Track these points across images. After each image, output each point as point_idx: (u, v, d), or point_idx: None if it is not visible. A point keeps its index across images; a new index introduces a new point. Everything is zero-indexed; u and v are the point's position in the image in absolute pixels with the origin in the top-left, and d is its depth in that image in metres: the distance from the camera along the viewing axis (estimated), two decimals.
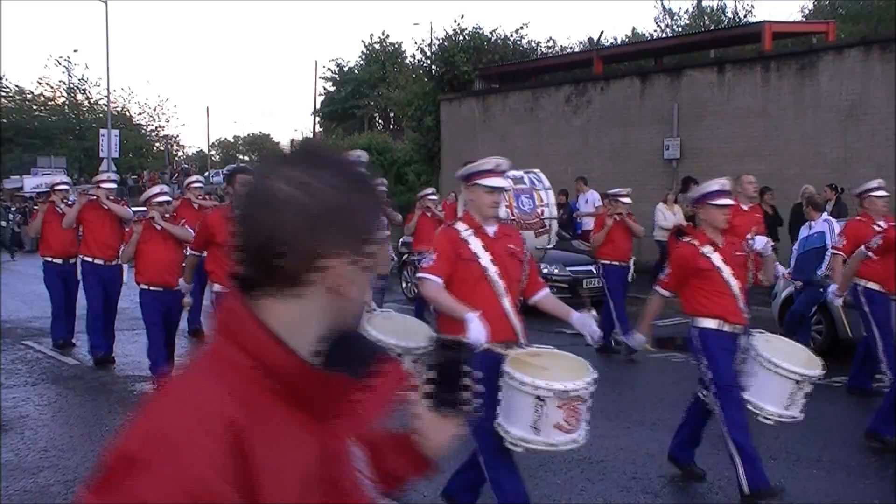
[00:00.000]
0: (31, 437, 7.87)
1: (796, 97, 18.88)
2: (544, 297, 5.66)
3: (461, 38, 29.30)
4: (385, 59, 58.05)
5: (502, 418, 5.01)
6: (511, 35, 30.59)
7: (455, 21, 31.79)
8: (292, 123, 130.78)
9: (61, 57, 76.92)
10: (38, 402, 9.26)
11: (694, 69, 21.29)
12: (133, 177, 60.27)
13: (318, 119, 63.47)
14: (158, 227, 9.56)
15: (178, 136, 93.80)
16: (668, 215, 17.67)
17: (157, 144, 70.04)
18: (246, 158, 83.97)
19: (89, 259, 11.34)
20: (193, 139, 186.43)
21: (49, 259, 12.12)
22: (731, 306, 6.12)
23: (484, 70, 28.63)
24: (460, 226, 5.44)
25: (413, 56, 48.90)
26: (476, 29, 29.77)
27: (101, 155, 41.86)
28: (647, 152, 21.45)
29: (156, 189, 10.31)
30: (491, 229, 5.45)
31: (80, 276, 11.73)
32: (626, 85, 22.69)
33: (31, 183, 38.91)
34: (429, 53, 31.27)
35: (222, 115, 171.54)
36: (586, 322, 5.30)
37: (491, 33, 30.03)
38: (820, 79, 18.51)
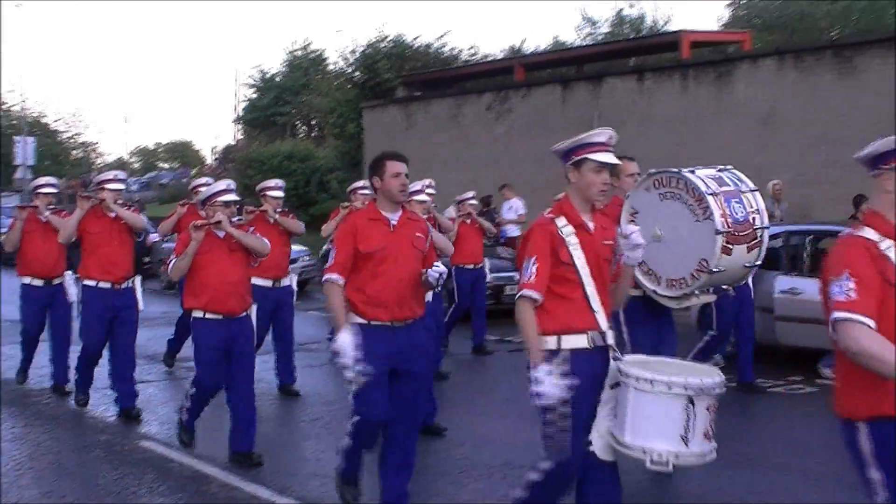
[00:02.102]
0: None
1: (714, 104, 19.20)
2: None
3: (383, 45, 29.27)
4: (307, 66, 57.61)
5: (632, 435, 4.35)
6: (433, 42, 30.67)
7: (377, 28, 31.80)
8: (214, 131, 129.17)
9: None
10: None
11: (614, 77, 21.53)
12: None
13: (239, 126, 62.85)
14: (221, 235, 6.96)
15: (96, 143, 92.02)
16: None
17: (76, 152, 68.74)
18: (167, 166, 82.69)
19: (91, 283, 8.55)
20: (112, 147, 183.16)
21: (28, 281, 9.73)
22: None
23: (406, 77, 28.62)
24: (560, 220, 4.63)
25: (335, 63, 48.53)
26: (398, 36, 29.78)
27: (17, 162, 40.94)
28: None
29: (222, 185, 7.25)
30: (590, 221, 4.70)
31: (73, 303, 9.49)
32: (547, 92, 22.85)
33: None
34: (351, 61, 31.13)
35: (142, 123, 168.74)
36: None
37: (413, 41, 30.09)
38: (736, 87, 18.85)
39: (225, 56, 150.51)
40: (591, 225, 4.65)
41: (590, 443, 4.53)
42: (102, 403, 9.21)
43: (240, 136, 62.59)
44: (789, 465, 6.97)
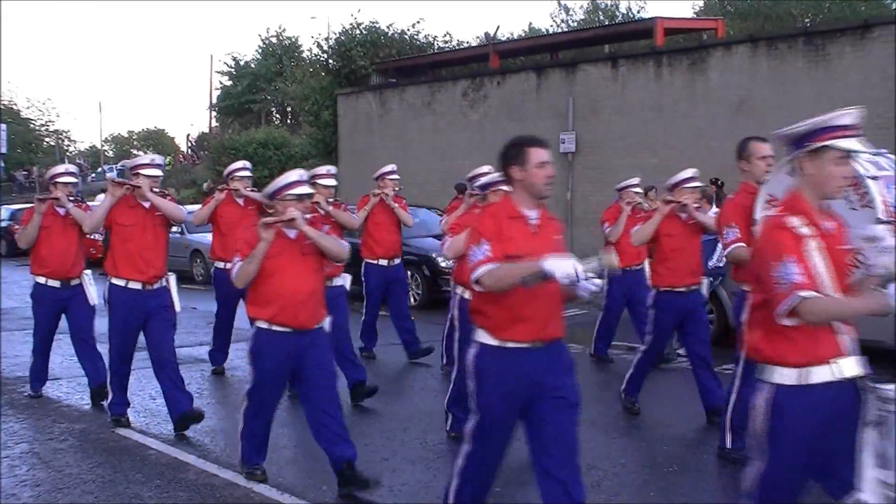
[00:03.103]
0: None
1: (687, 92, 19.28)
2: None
3: (358, 32, 29.19)
4: (282, 53, 57.46)
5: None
6: (408, 30, 30.60)
7: (352, 15, 31.72)
8: (188, 118, 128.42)
9: None
10: None
11: (588, 64, 21.57)
12: (23, 172, 58.62)
13: (214, 114, 62.57)
14: (293, 235, 5.86)
15: (69, 131, 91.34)
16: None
17: (48, 140, 68.24)
18: (141, 153, 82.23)
19: (120, 282, 7.51)
20: (86, 134, 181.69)
21: (42, 281, 8.58)
22: None
23: (381, 65, 28.56)
24: (794, 219, 3.79)
25: (310, 50, 48.67)
26: (373, 23, 29.69)
27: None
28: None
29: (294, 175, 6.01)
30: (826, 221, 3.90)
31: (95, 306, 8.62)
32: (522, 79, 22.87)
33: None
34: (326, 48, 31.06)
35: (116, 111, 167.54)
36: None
37: (388, 28, 30.00)
38: (710, 74, 18.94)
39: (200, 43, 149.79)
40: (828, 225, 3.87)
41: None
42: (77, 392, 9.19)
43: (214, 123, 62.28)
44: None
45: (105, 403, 8.05)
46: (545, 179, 4.61)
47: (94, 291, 8.58)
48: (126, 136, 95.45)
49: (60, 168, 8.71)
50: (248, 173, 10.09)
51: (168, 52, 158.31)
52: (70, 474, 6.53)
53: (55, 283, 8.53)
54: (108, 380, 7.89)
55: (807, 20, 36.25)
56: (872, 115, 15.85)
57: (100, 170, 64.05)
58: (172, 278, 7.80)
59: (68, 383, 9.57)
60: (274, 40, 59.48)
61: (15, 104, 57.84)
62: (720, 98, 18.63)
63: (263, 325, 5.84)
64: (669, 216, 7.66)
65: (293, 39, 59.29)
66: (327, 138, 28.52)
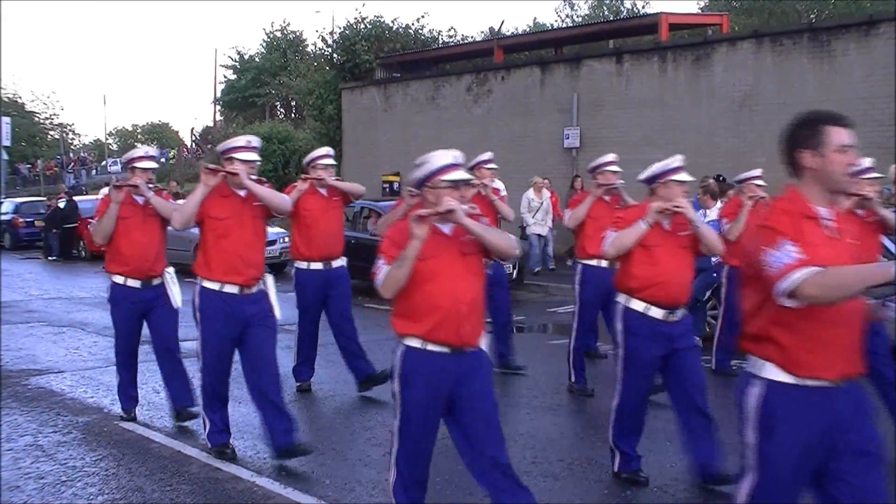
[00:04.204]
0: None
1: (692, 87, 19.28)
2: None
3: (362, 26, 29.21)
4: (286, 47, 57.50)
5: None
6: (412, 24, 30.68)
7: (356, 10, 31.72)
8: (192, 112, 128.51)
9: None
10: None
11: (593, 59, 21.56)
12: (27, 166, 58.71)
13: (218, 107, 62.61)
14: (447, 231, 4.78)
15: (73, 124, 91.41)
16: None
17: (52, 133, 68.31)
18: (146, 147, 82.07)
19: (214, 286, 6.47)
20: (90, 128, 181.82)
21: (120, 280, 7.53)
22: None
23: (385, 59, 28.58)
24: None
25: (314, 44, 48.69)
26: (377, 18, 29.76)
27: None
28: (547, 141, 21.67)
29: (447, 157, 4.89)
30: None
31: (177, 310, 7.64)
32: (526, 74, 22.87)
33: None
34: (330, 42, 31.08)
35: (120, 104, 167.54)
36: None
37: (392, 22, 30.05)
38: (714, 70, 18.93)
39: (204, 36, 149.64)
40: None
41: None
42: (81, 384, 9.21)
43: (218, 117, 62.32)
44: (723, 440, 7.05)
45: (203, 434, 6.90)
46: (846, 168, 3.58)
47: (177, 292, 7.60)
48: (130, 129, 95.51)
49: (139, 151, 7.63)
50: (331, 161, 8.57)
51: (172, 45, 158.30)
52: (74, 467, 6.55)
53: (135, 283, 7.47)
54: (202, 404, 6.82)
55: (812, 16, 36.21)
56: (876, 111, 15.88)
57: (104, 163, 64.12)
58: (270, 279, 6.72)
59: (72, 376, 9.59)
60: (278, 34, 59.55)
61: (19, 97, 57.92)
62: (724, 94, 18.63)
63: (416, 343, 4.68)
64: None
65: (297, 33, 59.39)
66: (331, 132, 28.54)
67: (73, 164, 59.57)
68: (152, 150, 7.58)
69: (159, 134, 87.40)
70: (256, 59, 60.26)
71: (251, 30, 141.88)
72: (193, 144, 62.35)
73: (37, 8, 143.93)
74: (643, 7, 44.91)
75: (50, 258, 25.21)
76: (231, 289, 6.40)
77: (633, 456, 6.16)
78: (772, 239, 3.47)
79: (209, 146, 50.44)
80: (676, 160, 6.03)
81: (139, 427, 7.62)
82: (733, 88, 18.51)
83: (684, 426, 6.01)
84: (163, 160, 56.35)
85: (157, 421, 7.82)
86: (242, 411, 7.81)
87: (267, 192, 6.53)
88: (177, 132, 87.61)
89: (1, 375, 9.73)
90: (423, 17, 41.52)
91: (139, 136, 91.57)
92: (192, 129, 69.79)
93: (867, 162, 6.76)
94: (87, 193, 34.49)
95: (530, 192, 18.29)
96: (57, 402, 8.56)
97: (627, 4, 46.39)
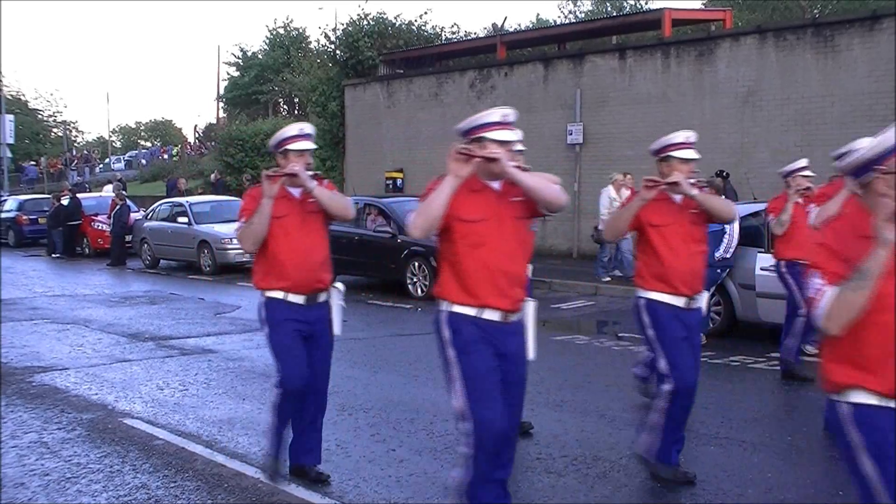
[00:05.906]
0: None
1: (695, 83, 19.25)
2: None
3: (365, 23, 29.20)
4: (289, 44, 57.57)
5: None
6: (415, 20, 30.65)
7: (359, 6, 31.72)
8: (195, 109, 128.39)
9: None
10: None
11: (596, 55, 21.55)
12: (31, 163, 58.76)
13: (221, 104, 62.65)
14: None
15: (76, 121, 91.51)
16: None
17: (55, 130, 68.39)
18: (148, 145, 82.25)
19: (279, 295, 5.74)
20: (93, 125, 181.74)
21: (279, 296, 5.73)
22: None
23: (388, 55, 28.58)
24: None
25: (317, 41, 48.65)
26: (380, 14, 29.74)
27: None
28: (550, 137, 21.65)
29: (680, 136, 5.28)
30: None
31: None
32: (529, 70, 22.86)
33: None
34: (333, 39, 31.08)
35: (123, 101, 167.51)
36: None
37: (395, 18, 30.03)
38: (718, 65, 18.91)
39: (208, 33, 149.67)
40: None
41: None
42: (86, 381, 9.22)
43: (221, 114, 62.37)
44: (717, 434, 7.07)
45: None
46: None
47: (339, 315, 5.97)
48: (134, 126, 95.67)
49: (292, 129, 5.89)
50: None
51: (175, 42, 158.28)
52: (78, 464, 6.56)
53: (298, 299, 5.74)
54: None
55: (815, 11, 36.13)
56: (879, 106, 15.85)
57: (107, 160, 64.20)
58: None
59: (76, 373, 9.60)
60: (281, 31, 59.61)
61: (23, 95, 57.99)
62: (728, 89, 18.61)
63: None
64: None
65: (300, 30, 59.46)
66: (335, 129, 28.54)
67: (76, 161, 59.67)
68: (307, 127, 5.91)
69: (162, 131, 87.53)
70: (259, 57, 60.34)
71: (254, 27, 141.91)
72: (197, 141, 62.42)
73: (40, 6, 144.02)
74: (646, 3, 44.85)
75: (54, 255, 25.28)
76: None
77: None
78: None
79: (212, 143, 50.43)
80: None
81: (143, 424, 7.63)
82: (737, 84, 18.48)
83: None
84: (165, 157, 56.49)
85: (160, 418, 7.82)
86: (247, 408, 7.81)
87: (544, 186, 4.65)
88: (180, 129, 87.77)
89: (3, 372, 9.74)
90: (426, 13, 41.46)
91: (142, 134, 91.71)
92: (196, 127, 69.90)
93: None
94: (90, 191, 34.55)
95: (611, 191, 16.58)
96: (61, 399, 8.56)
97: (630, 0, 46.34)
